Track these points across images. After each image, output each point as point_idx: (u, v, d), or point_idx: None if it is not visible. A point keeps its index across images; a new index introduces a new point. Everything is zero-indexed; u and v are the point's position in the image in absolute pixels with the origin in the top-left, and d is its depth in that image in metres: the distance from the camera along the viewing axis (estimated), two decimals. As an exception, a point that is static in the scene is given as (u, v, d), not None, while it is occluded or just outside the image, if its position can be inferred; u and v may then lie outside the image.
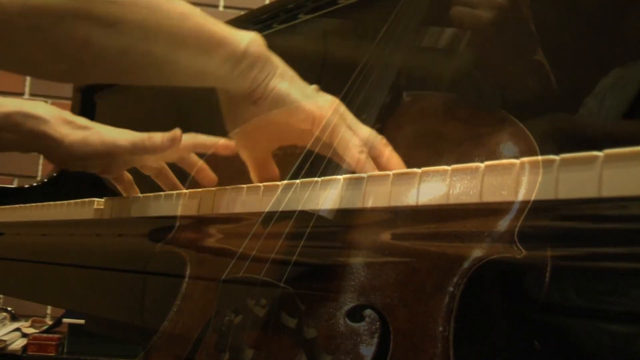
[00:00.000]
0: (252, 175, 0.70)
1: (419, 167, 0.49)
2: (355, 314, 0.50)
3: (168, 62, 0.61)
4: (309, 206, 0.55)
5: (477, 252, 0.44)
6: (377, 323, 0.48)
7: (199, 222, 0.70)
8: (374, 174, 0.53)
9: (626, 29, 0.60)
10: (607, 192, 0.37)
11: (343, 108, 0.64)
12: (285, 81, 0.64)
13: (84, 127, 0.81)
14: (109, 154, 0.80)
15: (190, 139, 0.82)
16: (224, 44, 0.62)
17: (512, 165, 0.42)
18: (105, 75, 0.64)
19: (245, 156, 0.70)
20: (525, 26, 0.65)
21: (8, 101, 0.81)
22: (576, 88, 0.61)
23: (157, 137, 0.79)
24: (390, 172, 0.50)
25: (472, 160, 0.48)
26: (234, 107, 0.66)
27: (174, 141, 0.78)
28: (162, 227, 0.78)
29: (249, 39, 0.63)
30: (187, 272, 0.67)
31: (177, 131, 0.78)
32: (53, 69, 0.60)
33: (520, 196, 0.41)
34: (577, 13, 0.64)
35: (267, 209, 0.59)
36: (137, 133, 0.80)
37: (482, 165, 0.44)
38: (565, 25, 0.64)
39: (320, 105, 0.64)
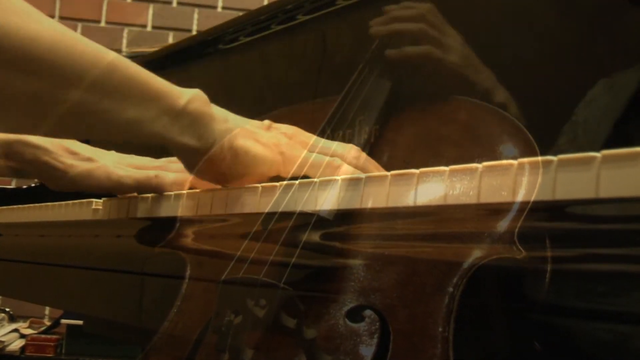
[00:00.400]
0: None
1: (417, 168, 0.49)
2: (355, 315, 0.50)
3: (93, 112, 0.56)
4: (308, 207, 0.56)
5: (477, 253, 0.44)
6: (377, 323, 0.48)
7: (199, 223, 0.70)
8: (372, 175, 0.53)
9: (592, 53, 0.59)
10: (604, 193, 0.37)
11: (304, 136, 0.63)
12: (239, 137, 0.62)
13: (89, 160, 0.79)
14: (112, 190, 0.80)
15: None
16: (159, 97, 0.59)
17: (510, 166, 0.43)
18: (15, 124, 0.59)
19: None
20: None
21: None
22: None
23: (167, 178, 0.77)
24: (389, 173, 0.51)
25: (472, 162, 0.48)
26: (192, 166, 0.64)
27: (182, 187, 0.76)
28: (149, 228, 0.78)
29: (190, 96, 0.61)
30: (187, 273, 0.67)
31: (187, 179, 0.75)
32: None
33: (519, 197, 0.41)
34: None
35: (265, 210, 0.59)
36: (143, 170, 0.79)
37: (480, 166, 0.44)
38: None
39: (282, 151, 0.62)
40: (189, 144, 0.61)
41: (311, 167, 0.61)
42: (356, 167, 0.61)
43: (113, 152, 0.84)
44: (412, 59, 0.66)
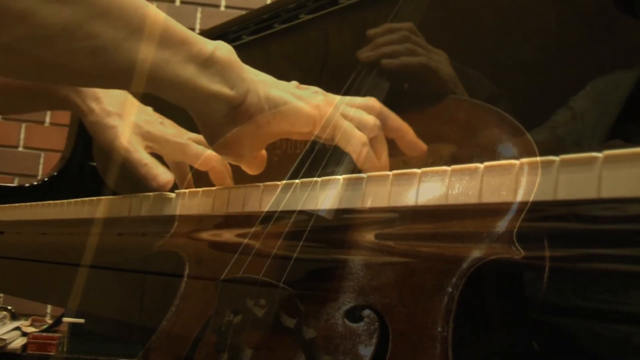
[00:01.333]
0: (245, 168, 0.67)
1: (416, 168, 0.49)
2: (354, 315, 0.50)
3: (119, 50, 0.53)
4: (309, 206, 0.55)
5: (476, 253, 0.44)
6: (376, 323, 0.48)
7: (198, 222, 0.70)
8: (373, 175, 0.53)
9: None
10: (606, 193, 0.37)
11: (337, 99, 0.61)
12: (272, 86, 0.60)
13: (109, 114, 0.78)
14: (121, 157, 0.78)
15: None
16: (187, 42, 0.56)
17: (512, 166, 0.42)
18: (42, 64, 0.54)
19: (234, 161, 0.65)
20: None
21: None
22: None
23: (159, 170, 0.77)
24: (390, 173, 0.50)
25: (470, 162, 0.48)
26: (220, 130, 0.60)
27: (166, 187, 0.77)
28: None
29: (217, 44, 0.58)
30: (186, 272, 0.67)
31: (171, 179, 0.77)
32: None
33: (520, 197, 0.41)
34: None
35: (266, 209, 0.59)
36: (144, 157, 0.79)
37: (481, 165, 0.44)
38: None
39: (316, 104, 0.60)
40: (222, 92, 0.57)
41: (341, 134, 0.58)
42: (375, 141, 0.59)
43: (148, 111, 0.83)
44: (408, 69, 0.67)
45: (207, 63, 0.57)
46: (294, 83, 0.63)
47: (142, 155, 0.78)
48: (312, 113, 0.59)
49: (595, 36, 0.61)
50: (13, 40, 0.50)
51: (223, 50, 0.58)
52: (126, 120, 0.79)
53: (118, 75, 0.55)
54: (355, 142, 0.57)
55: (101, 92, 0.81)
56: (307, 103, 0.60)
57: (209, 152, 0.76)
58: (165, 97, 0.58)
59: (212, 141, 0.61)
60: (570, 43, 0.62)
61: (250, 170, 0.66)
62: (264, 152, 0.65)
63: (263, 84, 0.59)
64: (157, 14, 0.56)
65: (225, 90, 0.58)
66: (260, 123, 0.59)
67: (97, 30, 0.51)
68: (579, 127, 0.56)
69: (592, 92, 0.57)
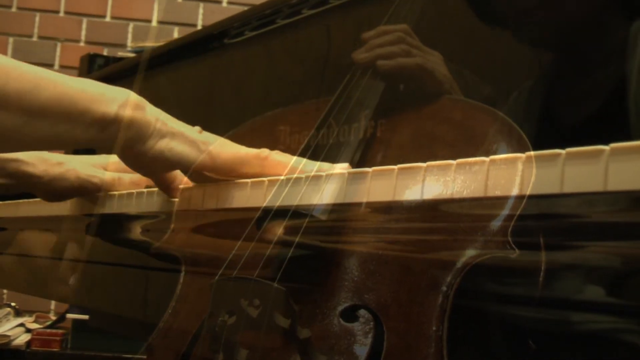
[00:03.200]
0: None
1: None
2: (349, 314, 0.50)
3: (23, 132, 0.59)
4: (309, 200, 0.55)
5: (471, 252, 0.43)
6: (371, 323, 0.48)
7: (194, 220, 0.70)
8: (378, 169, 0.52)
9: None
10: (613, 186, 0.36)
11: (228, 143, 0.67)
12: (167, 138, 0.65)
13: (59, 164, 0.86)
14: (85, 190, 0.87)
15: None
16: (88, 111, 0.61)
17: (517, 159, 0.42)
18: None
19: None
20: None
21: None
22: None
23: (125, 179, 0.86)
24: (396, 167, 0.50)
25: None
26: (124, 156, 0.67)
27: (139, 186, 0.84)
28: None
29: (121, 101, 0.63)
30: (182, 273, 0.67)
31: (141, 180, 0.84)
32: None
33: (525, 190, 0.41)
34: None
35: (267, 203, 0.59)
36: (109, 171, 0.87)
37: (487, 159, 0.44)
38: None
39: (210, 150, 0.65)
40: (119, 148, 0.64)
41: (242, 165, 0.65)
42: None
43: (80, 156, 0.92)
44: (403, 70, 0.67)
45: (109, 123, 0.63)
46: (197, 129, 0.69)
47: (108, 174, 0.88)
48: (197, 156, 0.65)
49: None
50: None
51: (127, 109, 0.63)
52: (70, 160, 0.88)
53: (26, 147, 0.67)
54: (250, 158, 0.65)
55: (44, 153, 0.88)
56: (196, 147, 0.66)
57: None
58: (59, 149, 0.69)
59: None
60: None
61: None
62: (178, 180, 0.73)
63: (158, 136, 0.65)
64: (61, 92, 0.60)
65: (122, 144, 0.64)
66: (151, 169, 0.69)
67: (1, 118, 0.57)
68: None
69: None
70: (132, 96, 0.64)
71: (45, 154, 0.87)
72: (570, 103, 0.56)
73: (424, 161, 0.49)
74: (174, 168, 0.69)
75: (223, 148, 0.66)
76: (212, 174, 0.67)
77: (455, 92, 0.62)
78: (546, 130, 0.56)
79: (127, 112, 0.63)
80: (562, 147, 0.40)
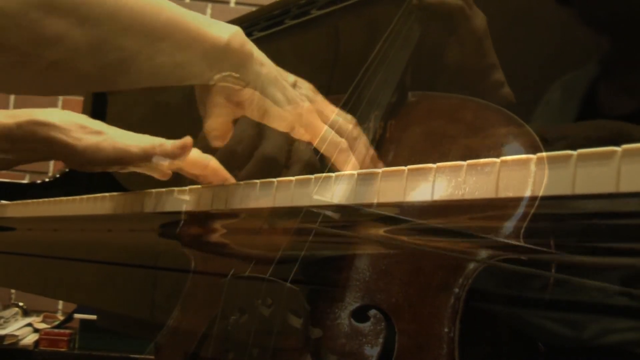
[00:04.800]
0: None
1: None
2: (360, 314, 0.50)
3: (143, 58, 0.58)
4: (321, 201, 0.55)
5: (483, 253, 0.43)
6: (382, 323, 0.48)
7: (204, 220, 0.70)
8: (388, 170, 0.52)
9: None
10: (625, 188, 0.36)
11: (323, 104, 0.65)
12: (270, 84, 0.64)
13: (97, 132, 0.81)
14: (121, 160, 0.80)
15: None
16: (201, 39, 0.61)
17: (528, 160, 0.42)
18: (81, 78, 0.60)
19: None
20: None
21: (19, 112, 0.81)
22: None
23: (168, 144, 0.78)
24: (406, 168, 0.50)
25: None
26: (213, 102, 0.65)
27: (185, 149, 0.76)
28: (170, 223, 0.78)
29: (230, 34, 0.62)
30: (192, 270, 0.67)
31: (187, 139, 0.76)
32: (24, 76, 0.57)
33: (536, 192, 0.41)
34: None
35: (280, 204, 0.59)
36: (150, 139, 0.80)
37: (497, 160, 0.44)
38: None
39: (299, 112, 0.64)
40: (226, 86, 0.63)
41: (321, 141, 0.63)
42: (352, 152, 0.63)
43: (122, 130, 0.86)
44: (444, 6, 0.67)
45: (220, 56, 0.61)
46: (292, 80, 0.67)
47: (147, 139, 0.81)
48: (291, 119, 0.64)
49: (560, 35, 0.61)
50: (51, 60, 0.55)
51: (236, 41, 0.62)
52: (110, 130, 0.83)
53: (142, 79, 0.61)
54: (331, 146, 0.62)
55: (83, 119, 0.83)
56: (293, 107, 0.64)
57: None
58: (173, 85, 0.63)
59: (204, 113, 0.67)
60: (540, 41, 0.62)
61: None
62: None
63: (263, 79, 0.64)
64: (175, 15, 0.60)
65: (228, 84, 0.63)
66: (245, 111, 0.65)
67: (122, 43, 0.57)
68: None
69: (562, 89, 0.58)
70: (239, 30, 0.63)
71: (84, 121, 0.82)
72: (623, 93, 0.56)
73: (434, 160, 0.49)
74: (267, 119, 0.65)
75: (310, 118, 0.64)
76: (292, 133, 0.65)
77: (487, 55, 0.62)
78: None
79: (238, 41, 0.62)
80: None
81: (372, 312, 0.49)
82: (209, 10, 2.52)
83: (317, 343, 0.50)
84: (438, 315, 0.44)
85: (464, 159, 0.46)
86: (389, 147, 0.64)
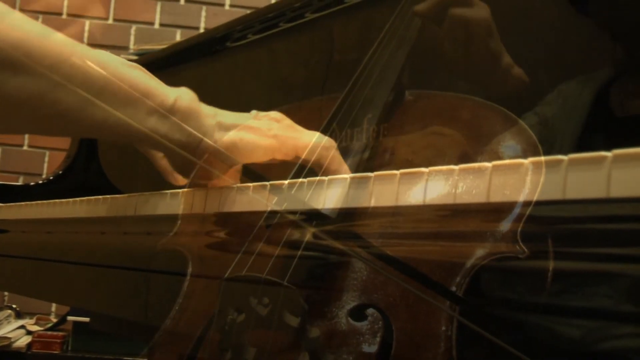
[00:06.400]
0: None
1: (420, 166, 0.49)
2: (357, 313, 0.50)
3: (83, 113, 0.58)
4: (314, 205, 0.55)
5: (480, 252, 0.43)
6: (380, 322, 0.48)
7: (202, 220, 0.70)
8: (380, 173, 0.52)
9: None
10: (615, 193, 0.36)
11: (289, 120, 0.65)
12: (230, 127, 0.64)
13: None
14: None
15: None
16: (148, 97, 0.60)
17: (520, 165, 0.42)
18: (18, 125, 0.61)
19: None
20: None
21: None
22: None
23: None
24: (398, 172, 0.50)
25: (475, 160, 0.47)
26: (187, 171, 0.65)
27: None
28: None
29: (178, 93, 0.62)
30: (189, 271, 0.67)
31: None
32: None
33: (527, 196, 0.41)
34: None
35: (270, 208, 0.59)
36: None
37: (489, 165, 0.44)
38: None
39: (273, 134, 0.63)
40: (179, 140, 0.62)
41: (302, 148, 0.63)
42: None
43: None
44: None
45: (167, 113, 0.61)
46: (253, 113, 0.67)
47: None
48: (268, 144, 0.63)
49: (559, 39, 0.61)
50: None
51: (184, 99, 0.62)
52: None
53: (84, 132, 0.62)
54: (324, 151, 0.62)
55: None
56: (263, 135, 0.63)
57: None
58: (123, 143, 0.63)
59: (182, 172, 0.67)
60: (535, 47, 0.62)
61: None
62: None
63: (219, 127, 0.63)
64: (120, 73, 0.59)
65: (182, 139, 0.62)
66: (217, 164, 0.64)
67: (61, 97, 0.56)
68: (546, 133, 0.56)
69: (560, 98, 0.57)
70: (186, 89, 0.64)
71: None
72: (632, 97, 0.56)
73: (430, 159, 0.49)
74: (248, 159, 0.65)
75: (286, 133, 0.64)
76: (281, 158, 0.65)
77: (495, 39, 0.62)
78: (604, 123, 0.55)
79: (184, 102, 0.62)
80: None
81: (370, 310, 0.49)
82: (203, 13, 2.52)
83: (314, 342, 0.50)
84: (435, 314, 0.44)
85: (461, 159, 0.46)
86: (386, 147, 0.65)
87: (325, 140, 0.63)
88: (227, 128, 0.64)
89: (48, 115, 0.58)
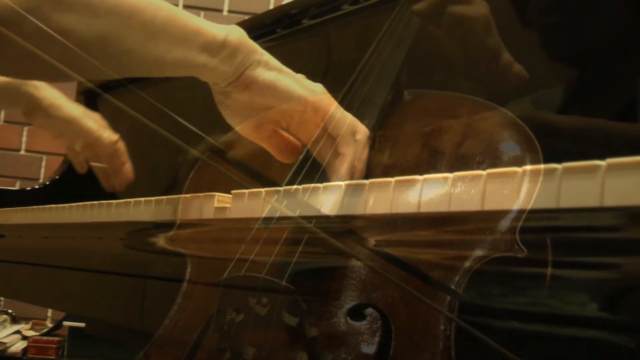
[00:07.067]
0: (275, 155, 0.71)
1: (419, 166, 0.49)
2: (356, 313, 0.50)
3: (144, 50, 0.62)
4: (310, 212, 0.55)
5: (478, 252, 0.43)
6: (379, 322, 0.48)
7: (199, 224, 0.70)
8: (375, 181, 0.52)
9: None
10: (609, 202, 0.36)
11: (329, 96, 0.67)
12: (272, 69, 0.67)
13: None
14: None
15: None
16: (200, 34, 0.64)
17: (514, 173, 0.42)
18: (86, 68, 0.64)
19: (259, 143, 0.71)
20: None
21: None
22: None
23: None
24: (393, 179, 0.50)
25: (473, 159, 0.47)
26: (226, 97, 0.69)
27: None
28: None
29: (229, 30, 0.66)
30: (188, 271, 0.67)
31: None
32: (36, 67, 0.62)
33: (522, 205, 0.41)
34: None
35: (267, 214, 0.59)
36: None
37: (484, 173, 0.44)
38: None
39: (310, 89, 0.67)
40: (225, 71, 0.66)
41: (333, 120, 0.65)
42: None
43: None
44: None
45: (219, 47, 0.65)
46: (301, 75, 0.69)
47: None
48: (304, 93, 0.67)
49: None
50: (60, 50, 0.59)
51: (234, 34, 0.66)
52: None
53: (145, 68, 0.65)
54: (360, 135, 0.63)
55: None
56: (301, 85, 0.67)
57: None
58: (178, 76, 0.67)
59: (229, 116, 0.70)
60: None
61: (281, 157, 0.71)
62: (292, 140, 0.71)
63: (264, 65, 0.67)
64: (174, 14, 0.64)
65: (228, 70, 0.66)
66: (254, 96, 0.68)
67: (122, 36, 0.61)
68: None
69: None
70: (235, 27, 0.67)
71: None
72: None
73: (428, 161, 0.49)
74: (282, 100, 0.68)
75: (325, 96, 0.67)
76: (308, 116, 0.67)
77: (495, 36, 0.62)
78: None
79: (235, 36, 0.65)
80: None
81: (369, 310, 0.49)
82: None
83: (313, 341, 0.50)
84: (434, 314, 0.44)
85: (459, 160, 0.46)
86: (384, 147, 0.65)
87: (361, 126, 0.64)
88: (271, 68, 0.67)
89: (113, 54, 0.62)
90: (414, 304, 0.47)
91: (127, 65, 0.64)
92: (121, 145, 1.01)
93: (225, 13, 2.53)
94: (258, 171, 0.73)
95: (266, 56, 0.67)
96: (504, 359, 0.45)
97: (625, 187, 0.36)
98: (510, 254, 0.42)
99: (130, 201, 0.84)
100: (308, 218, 0.55)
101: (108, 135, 1.01)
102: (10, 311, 2.15)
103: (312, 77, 0.91)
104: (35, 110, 1.02)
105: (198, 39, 0.64)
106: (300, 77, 0.68)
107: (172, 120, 0.83)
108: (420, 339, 0.45)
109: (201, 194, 0.71)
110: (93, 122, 1.02)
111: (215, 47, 0.65)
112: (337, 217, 0.54)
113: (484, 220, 0.44)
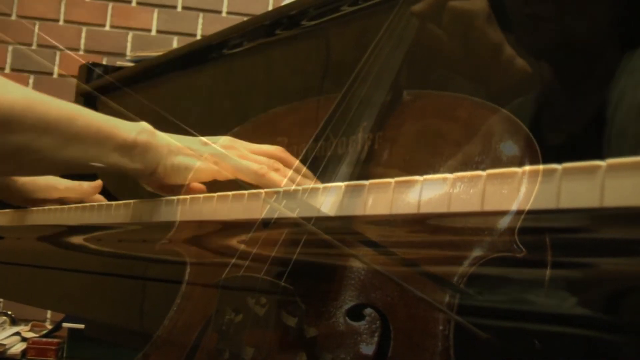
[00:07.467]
0: None
1: (419, 166, 0.49)
2: (355, 313, 0.50)
3: (61, 156, 0.71)
4: (310, 213, 0.55)
5: (477, 252, 0.43)
6: (378, 322, 0.48)
7: (199, 224, 0.70)
8: (375, 182, 0.52)
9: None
10: (609, 202, 0.36)
11: (237, 143, 0.74)
12: (178, 155, 0.75)
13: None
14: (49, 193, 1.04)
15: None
16: (111, 137, 0.73)
17: (514, 173, 0.42)
18: (4, 170, 0.75)
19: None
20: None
21: None
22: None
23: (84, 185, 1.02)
24: (392, 180, 0.50)
25: (473, 160, 0.47)
26: (149, 184, 0.77)
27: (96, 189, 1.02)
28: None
29: (138, 130, 0.74)
30: (187, 272, 0.67)
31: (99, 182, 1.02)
32: None
33: (522, 205, 0.41)
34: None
35: (266, 215, 0.59)
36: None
37: (484, 173, 0.44)
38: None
39: (216, 160, 0.73)
40: (138, 169, 0.74)
41: (239, 172, 0.70)
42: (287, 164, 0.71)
43: None
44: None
45: (130, 148, 0.73)
46: (201, 140, 0.77)
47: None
48: (209, 168, 0.74)
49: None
50: None
51: (143, 135, 0.74)
52: None
53: (59, 169, 0.78)
54: (252, 168, 0.69)
55: None
56: (205, 160, 0.75)
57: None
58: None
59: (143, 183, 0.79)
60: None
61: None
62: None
63: (170, 155, 0.76)
64: (87, 120, 0.72)
65: (141, 167, 0.75)
66: (166, 184, 0.77)
67: (40, 145, 0.69)
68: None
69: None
70: (145, 125, 0.75)
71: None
72: (557, 122, 0.57)
73: (427, 161, 0.49)
74: (192, 179, 0.76)
75: (224, 160, 0.73)
76: (218, 178, 0.74)
77: (496, 31, 0.63)
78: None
79: (143, 137, 0.74)
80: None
81: (368, 310, 0.49)
82: (200, 20, 2.53)
83: (312, 342, 0.50)
84: (433, 314, 0.44)
85: (459, 160, 0.46)
86: (384, 147, 0.65)
87: (258, 167, 0.69)
88: (177, 153, 0.75)
89: (30, 161, 0.71)
90: (413, 304, 0.47)
91: (42, 167, 0.74)
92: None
93: (224, 14, 2.54)
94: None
95: (171, 146, 0.75)
96: (504, 358, 0.46)
97: (625, 188, 0.36)
98: (510, 254, 0.42)
99: (130, 202, 0.84)
100: (307, 218, 0.55)
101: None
102: (9, 313, 2.14)
103: (312, 77, 0.91)
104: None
105: (109, 142, 0.72)
106: (200, 142, 0.75)
107: (169, 122, 0.83)
108: (419, 339, 0.45)
109: (201, 194, 0.71)
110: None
111: (126, 148, 0.73)
112: (336, 217, 0.54)
113: (484, 220, 0.44)
